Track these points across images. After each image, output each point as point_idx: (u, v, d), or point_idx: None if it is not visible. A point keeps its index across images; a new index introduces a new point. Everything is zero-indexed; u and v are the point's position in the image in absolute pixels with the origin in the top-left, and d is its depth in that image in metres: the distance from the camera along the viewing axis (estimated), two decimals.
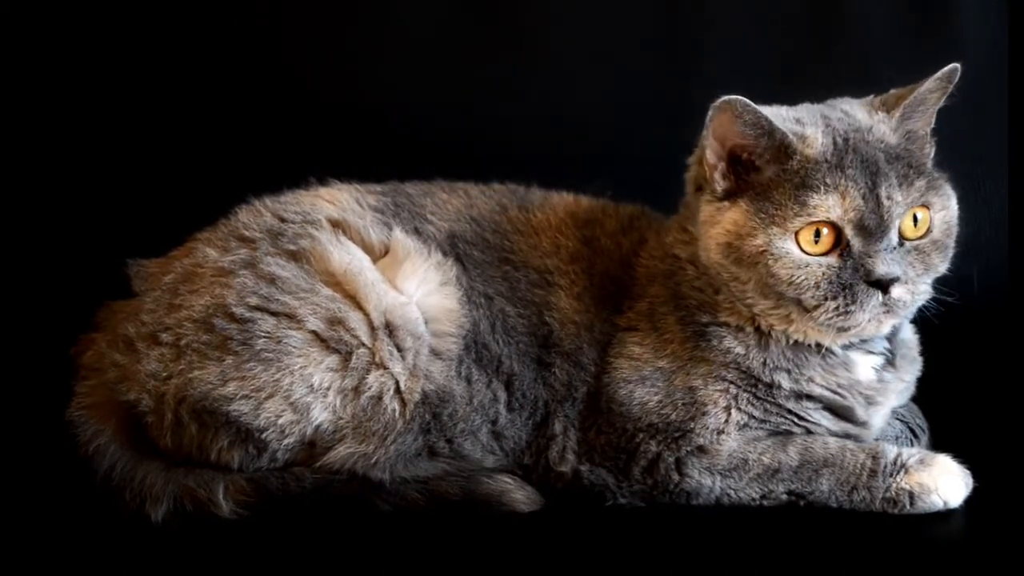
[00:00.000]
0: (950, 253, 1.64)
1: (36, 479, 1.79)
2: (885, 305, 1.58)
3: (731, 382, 1.67)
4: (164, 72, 2.42)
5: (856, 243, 1.57)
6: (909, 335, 1.77)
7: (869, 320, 1.59)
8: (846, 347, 1.68)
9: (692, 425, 1.67)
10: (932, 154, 1.66)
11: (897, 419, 1.79)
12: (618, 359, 1.71)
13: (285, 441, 1.66)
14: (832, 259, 1.58)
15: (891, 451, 1.65)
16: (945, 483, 1.62)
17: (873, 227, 1.56)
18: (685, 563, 1.56)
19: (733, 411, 1.67)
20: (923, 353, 1.78)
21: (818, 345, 1.66)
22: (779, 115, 1.63)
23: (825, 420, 1.69)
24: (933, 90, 1.61)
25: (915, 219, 1.59)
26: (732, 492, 1.67)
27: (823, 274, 1.58)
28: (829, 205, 1.56)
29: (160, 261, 1.80)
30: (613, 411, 1.70)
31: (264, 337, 1.64)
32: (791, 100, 1.71)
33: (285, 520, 1.65)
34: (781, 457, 1.66)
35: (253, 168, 2.14)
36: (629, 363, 1.70)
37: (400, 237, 1.76)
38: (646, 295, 1.74)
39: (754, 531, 1.62)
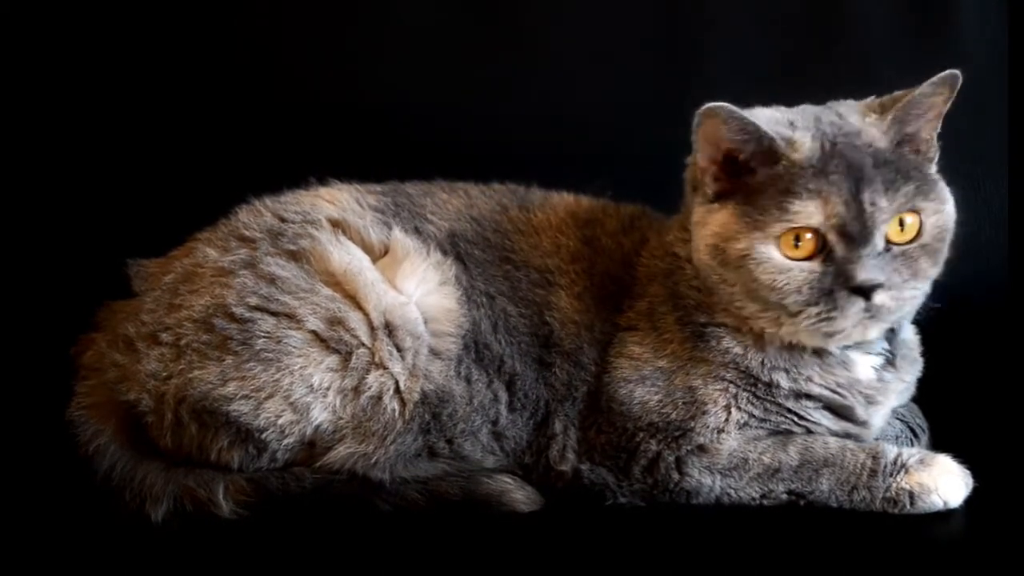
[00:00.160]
0: (942, 258, 1.62)
1: (36, 479, 1.79)
2: (868, 311, 1.57)
3: (730, 382, 1.67)
4: (164, 72, 2.42)
5: (838, 249, 1.56)
6: (910, 335, 1.76)
7: (853, 326, 1.59)
8: (844, 347, 1.68)
9: (692, 424, 1.67)
10: (936, 158, 1.64)
11: (897, 419, 1.79)
12: (618, 358, 1.71)
13: (285, 441, 1.67)
14: (814, 264, 1.57)
15: (891, 451, 1.65)
16: (945, 483, 1.62)
17: (855, 233, 1.55)
18: (685, 563, 1.56)
19: (733, 410, 1.67)
20: (923, 353, 1.78)
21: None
22: (773, 118, 1.63)
23: (825, 419, 1.69)
24: (929, 94, 1.59)
25: (902, 223, 1.57)
26: (732, 491, 1.67)
27: (804, 279, 1.57)
28: (810, 211, 1.55)
29: (160, 261, 1.80)
30: (613, 410, 1.70)
31: (264, 337, 1.65)
32: (791, 100, 1.71)
33: (285, 520, 1.65)
34: (781, 457, 1.66)
35: (253, 168, 2.13)
36: (629, 362, 1.70)
37: (399, 237, 1.76)
38: (646, 294, 1.74)
39: (754, 531, 1.62)
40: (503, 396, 1.73)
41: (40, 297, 2.30)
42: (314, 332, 1.65)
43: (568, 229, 1.81)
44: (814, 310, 1.58)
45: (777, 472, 1.66)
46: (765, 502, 1.67)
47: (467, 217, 1.82)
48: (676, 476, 1.67)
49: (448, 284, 1.74)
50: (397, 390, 1.67)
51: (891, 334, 1.70)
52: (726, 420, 1.67)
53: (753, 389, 1.67)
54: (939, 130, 1.63)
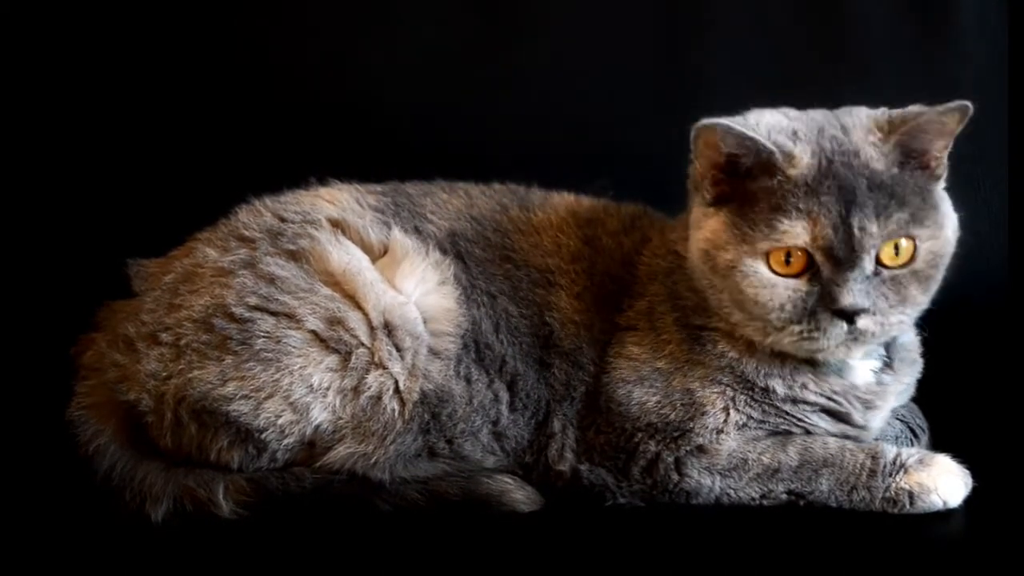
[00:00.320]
0: (934, 286, 1.61)
1: (36, 479, 1.79)
2: (851, 334, 1.57)
3: (727, 385, 1.67)
4: (164, 72, 2.42)
5: (825, 270, 1.55)
6: (909, 337, 1.75)
7: (835, 347, 1.59)
8: None
9: (691, 425, 1.67)
10: (944, 175, 1.62)
11: (897, 419, 1.79)
12: (617, 359, 1.71)
13: (285, 441, 1.67)
14: (801, 282, 1.57)
15: (890, 451, 1.65)
16: (944, 483, 1.62)
17: (843, 257, 1.54)
18: (685, 563, 1.56)
19: (731, 411, 1.67)
20: (923, 353, 1.77)
21: None
22: (776, 125, 1.61)
23: (823, 422, 1.69)
24: (935, 121, 1.56)
25: (897, 247, 1.56)
26: (732, 492, 1.67)
27: (788, 297, 1.57)
28: (797, 232, 1.54)
29: (160, 261, 1.80)
30: (612, 411, 1.70)
31: (263, 337, 1.65)
32: (791, 100, 1.70)
33: (285, 520, 1.65)
34: (781, 457, 1.66)
35: (253, 168, 2.13)
36: (628, 363, 1.70)
37: (399, 236, 1.76)
38: (647, 293, 1.74)
39: (754, 531, 1.62)
40: (504, 396, 1.73)
41: (40, 297, 2.30)
42: (314, 332, 1.65)
43: (569, 229, 1.81)
44: (796, 328, 1.58)
45: (777, 472, 1.66)
46: (765, 502, 1.67)
47: (467, 217, 1.82)
48: (675, 477, 1.67)
49: (447, 284, 1.74)
50: (396, 390, 1.67)
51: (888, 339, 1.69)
52: (725, 421, 1.67)
53: (750, 393, 1.67)
54: (950, 149, 1.60)
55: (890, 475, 1.63)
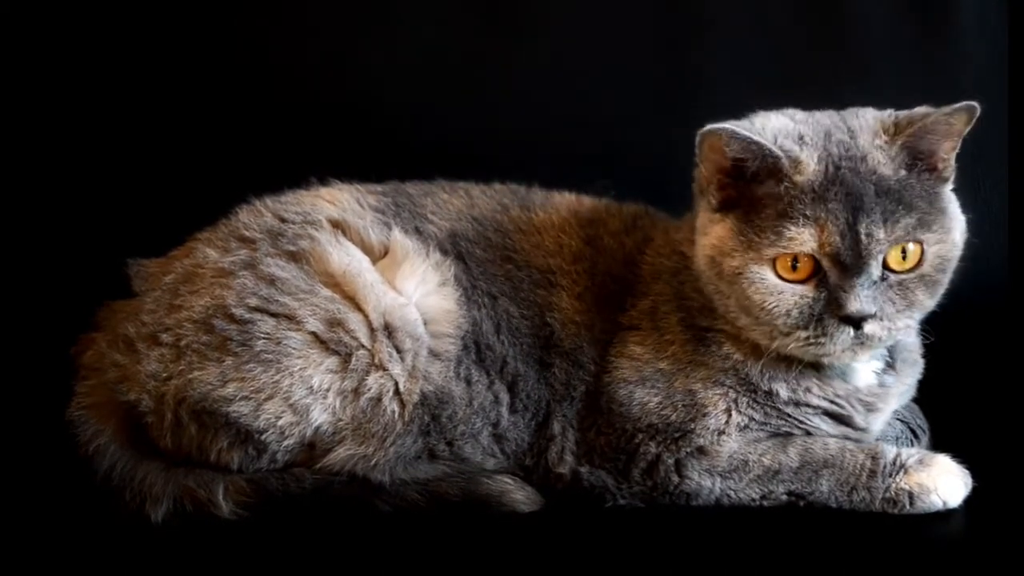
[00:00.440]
0: (940, 290, 1.61)
1: (36, 479, 1.79)
2: (857, 339, 1.57)
3: (730, 387, 1.67)
4: (164, 72, 2.41)
5: (832, 275, 1.55)
6: (911, 339, 1.74)
7: (842, 351, 1.58)
8: None
9: (692, 426, 1.66)
10: (952, 177, 1.61)
11: (898, 419, 1.79)
12: (619, 358, 1.71)
13: (285, 442, 1.66)
14: (808, 288, 1.57)
15: (890, 452, 1.65)
16: (944, 483, 1.62)
17: (850, 263, 1.54)
18: (685, 563, 1.56)
19: (733, 413, 1.67)
20: (924, 354, 1.77)
21: None
22: (783, 129, 1.61)
23: (824, 424, 1.69)
24: (942, 123, 1.56)
25: (904, 252, 1.56)
26: (732, 493, 1.67)
27: (795, 303, 1.57)
28: (804, 238, 1.54)
29: (160, 261, 1.80)
30: (613, 411, 1.70)
31: (264, 338, 1.64)
32: (791, 100, 1.70)
33: (285, 521, 1.65)
34: (781, 458, 1.66)
35: (253, 168, 2.14)
36: (630, 363, 1.70)
37: (399, 237, 1.76)
38: (650, 293, 1.74)
39: (754, 531, 1.62)
40: (504, 398, 1.73)
41: (40, 297, 2.30)
42: (314, 333, 1.65)
43: (571, 229, 1.81)
44: (803, 333, 1.58)
45: (777, 474, 1.66)
46: (765, 503, 1.67)
47: (468, 217, 1.82)
48: (676, 478, 1.67)
49: (448, 285, 1.74)
50: (397, 392, 1.67)
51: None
52: (726, 423, 1.67)
53: (753, 395, 1.67)
54: (958, 150, 1.60)
55: (890, 475, 1.63)
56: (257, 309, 1.66)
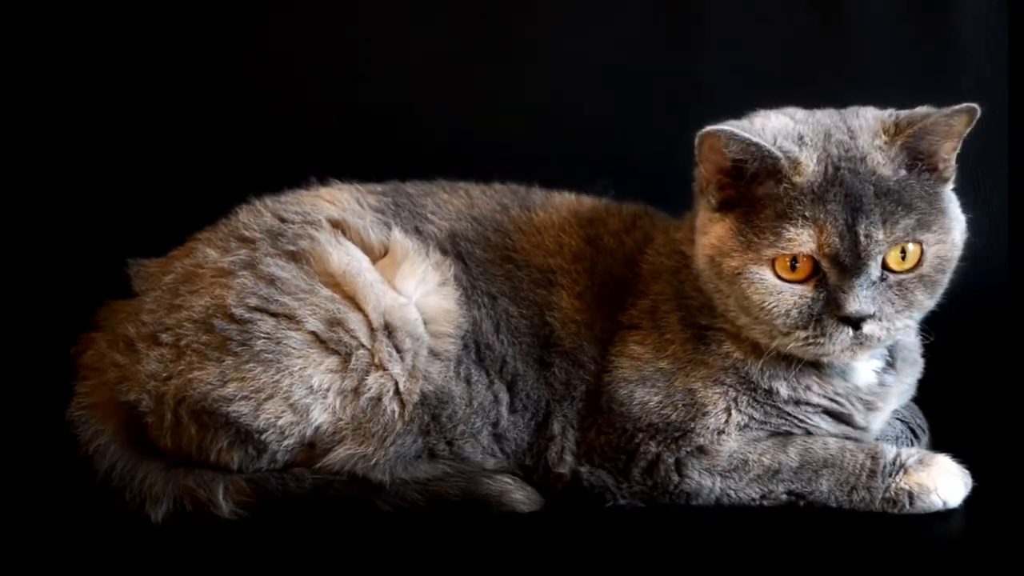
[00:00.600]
0: (940, 290, 1.61)
1: (36, 479, 1.79)
2: (856, 339, 1.57)
3: (730, 385, 1.67)
4: (164, 72, 2.42)
5: (831, 276, 1.55)
6: (911, 338, 1.74)
7: (841, 351, 1.58)
8: None
9: (692, 425, 1.66)
10: (953, 177, 1.61)
11: (898, 419, 1.79)
12: (619, 358, 1.71)
13: (285, 442, 1.66)
14: (807, 288, 1.57)
15: (890, 451, 1.65)
16: (944, 483, 1.62)
17: (849, 264, 1.54)
18: (685, 563, 1.56)
19: (733, 412, 1.67)
20: (923, 354, 1.77)
21: None
22: (783, 129, 1.60)
23: (824, 423, 1.69)
24: (942, 124, 1.55)
25: (904, 252, 1.56)
26: (732, 492, 1.67)
27: (794, 303, 1.57)
28: (803, 239, 1.54)
29: (160, 261, 1.80)
30: (613, 411, 1.70)
31: (264, 338, 1.64)
32: (791, 101, 1.70)
33: (285, 520, 1.65)
34: (781, 458, 1.66)
35: (253, 168, 2.14)
36: (630, 362, 1.70)
37: (399, 237, 1.76)
38: (650, 292, 1.74)
39: (754, 531, 1.62)
40: (504, 397, 1.73)
41: (40, 297, 2.30)
42: (314, 333, 1.65)
43: (571, 228, 1.81)
44: (802, 334, 1.58)
45: (777, 473, 1.66)
46: (765, 503, 1.67)
47: (468, 217, 1.82)
48: (676, 478, 1.67)
49: (448, 285, 1.74)
50: (397, 391, 1.67)
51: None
52: (726, 422, 1.67)
53: (753, 394, 1.67)
54: (959, 151, 1.59)
55: (890, 475, 1.63)
56: (257, 309, 1.66)
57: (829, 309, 1.56)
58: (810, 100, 1.71)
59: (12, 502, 1.74)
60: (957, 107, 1.55)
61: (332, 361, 1.65)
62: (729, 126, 1.56)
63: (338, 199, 1.81)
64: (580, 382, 1.72)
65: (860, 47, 2.42)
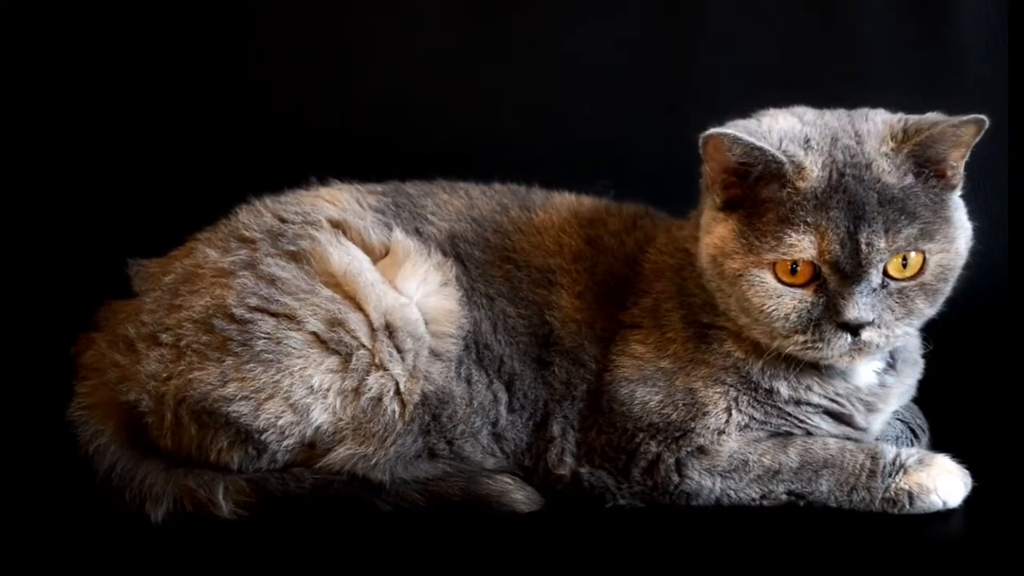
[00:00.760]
0: (941, 298, 1.60)
1: (36, 479, 1.79)
2: (855, 345, 1.57)
3: (731, 385, 1.67)
4: (164, 73, 2.42)
5: (832, 282, 1.55)
6: (911, 339, 1.74)
7: (839, 356, 1.58)
8: None
9: (693, 425, 1.66)
10: (960, 184, 1.60)
11: (898, 419, 1.79)
12: (620, 357, 1.71)
13: (285, 442, 1.66)
14: (807, 292, 1.57)
15: (890, 452, 1.65)
16: (944, 483, 1.62)
17: (849, 271, 1.53)
18: (685, 563, 1.56)
19: (734, 412, 1.67)
20: (924, 354, 1.77)
21: None
22: (789, 132, 1.60)
23: (825, 423, 1.69)
24: (949, 134, 1.55)
25: (905, 260, 1.55)
26: (732, 493, 1.67)
27: (794, 307, 1.57)
28: (804, 245, 1.54)
29: (160, 261, 1.80)
30: (614, 411, 1.70)
31: (264, 338, 1.64)
32: (790, 100, 1.70)
33: (285, 520, 1.65)
34: (781, 458, 1.66)
35: (253, 168, 2.14)
36: (631, 362, 1.70)
37: (400, 238, 1.76)
38: (652, 291, 1.74)
39: (754, 531, 1.62)
40: (503, 397, 1.73)
41: (40, 297, 2.30)
42: (314, 333, 1.65)
43: (571, 228, 1.81)
44: (801, 338, 1.58)
45: (777, 474, 1.66)
46: (765, 503, 1.67)
47: (468, 218, 1.82)
48: (676, 478, 1.67)
49: (449, 285, 1.74)
50: (397, 391, 1.67)
51: None
52: (727, 422, 1.67)
53: (753, 393, 1.67)
54: (967, 159, 1.59)
55: (890, 475, 1.63)
56: (257, 309, 1.66)
57: (828, 315, 1.56)
58: (810, 100, 1.71)
59: (12, 502, 1.74)
60: (965, 118, 1.54)
61: (332, 361, 1.65)
62: (734, 129, 1.56)
63: (338, 199, 1.81)
64: (581, 381, 1.72)
65: (860, 47, 2.42)
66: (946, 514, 1.62)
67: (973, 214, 1.64)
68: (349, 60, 2.45)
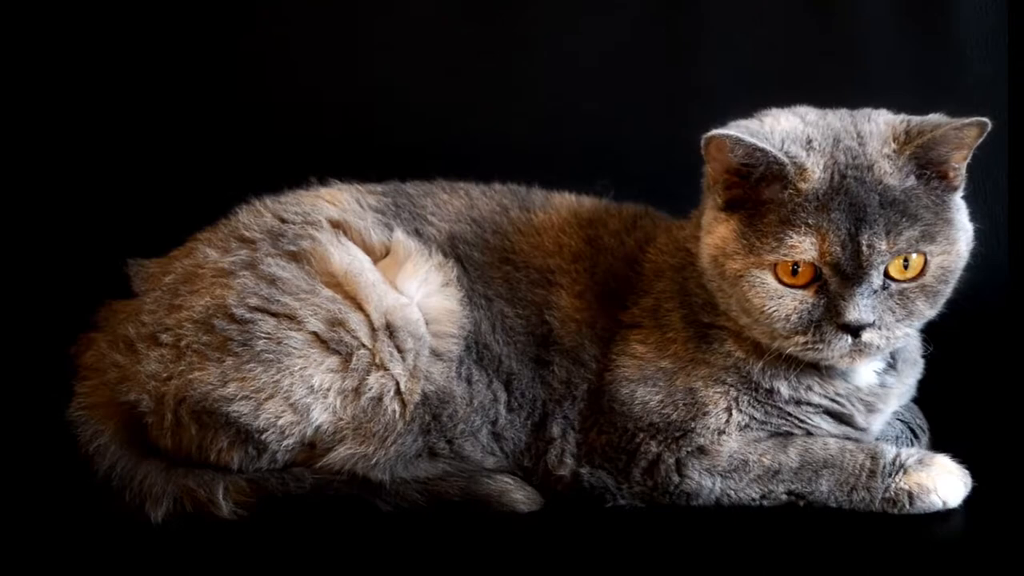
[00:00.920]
0: (941, 300, 1.60)
1: (36, 479, 1.79)
2: (855, 347, 1.57)
3: (731, 385, 1.67)
4: (164, 72, 2.42)
5: (832, 283, 1.55)
6: (911, 339, 1.73)
7: (840, 357, 1.58)
8: None
9: (693, 425, 1.67)
10: (962, 186, 1.60)
11: (898, 419, 1.79)
12: (621, 356, 1.71)
13: (285, 442, 1.67)
14: (808, 294, 1.57)
15: (890, 452, 1.65)
16: (944, 483, 1.62)
17: (850, 272, 1.53)
18: (685, 563, 1.56)
19: (734, 412, 1.67)
20: (924, 354, 1.77)
21: None
22: (791, 133, 1.60)
23: (825, 423, 1.69)
24: (951, 136, 1.55)
25: (906, 262, 1.55)
26: (732, 493, 1.67)
27: (795, 308, 1.57)
28: (805, 247, 1.54)
29: (160, 261, 1.80)
30: (615, 410, 1.70)
31: (264, 338, 1.64)
32: (790, 100, 1.70)
33: (285, 520, 1.66)
34: (781, 458, 1.66)
35: (253, 168, 2.14)
36: (632, 361, 1.70)
37: (401, 238, 1.76)
38: (652, 291, 1.74)
39: (754, 531, 1.62)
40: (502, 396, 1.73)
41: (40, 297, 2.30)
42: (315, 333, 1.65)
43: (571, 229, 1.81)
44: (801, 339, 1.58)
45: (777, 474, 1.66)
46: (765, 503, 1.67)
47: (467, 219, 1.82)
48: (676, 478, 1.67)
49: (451, 286, 1.74)
50: (398, 391, 1.67)
51: None
52: (727, 422, 1.67)
53: (754, 393, 1.67)
54: (969, 160, 1.59)
55: (889, 475, 1.63)
56: (258, 309, 1.66)
57: (829, 316, 1.56)
58: (810, 100, 1.71)
59: (12, 502, 1.74)
60: (968, 120, 1.55)
61: (333, 361, 1.66)
62: (736, 130, 1.56)
63: (338, 199, 1.81)
64: (582, 381, 1.72)
65: (860, 47, 2.42)
66: (946, 514, 1.63)
67: (974, 215, 1.64)
68: (349, 60, 2.45)
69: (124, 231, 2.24)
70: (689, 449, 1.67)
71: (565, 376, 1.73)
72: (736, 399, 1.67)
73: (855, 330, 1.55)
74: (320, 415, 1.65)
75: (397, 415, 1.67)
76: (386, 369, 1.66)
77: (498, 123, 2.41)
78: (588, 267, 1.77)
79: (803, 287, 1.57)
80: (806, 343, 1.58)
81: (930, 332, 1.73)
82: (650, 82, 2.44)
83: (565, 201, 1.87)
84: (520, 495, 1.70)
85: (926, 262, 1.57)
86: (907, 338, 1.63)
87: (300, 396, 1.64)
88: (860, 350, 1.58)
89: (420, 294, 1.72)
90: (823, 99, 1.70)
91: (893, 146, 1.57)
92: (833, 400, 1.67)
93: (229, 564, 1.59)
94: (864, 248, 1.53)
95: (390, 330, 1.68)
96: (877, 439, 1.73)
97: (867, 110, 1.65)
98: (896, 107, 1.66)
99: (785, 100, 1.70)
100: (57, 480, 1.75)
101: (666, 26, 2.45)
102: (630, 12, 2.45)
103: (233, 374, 1.65)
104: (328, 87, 2.45)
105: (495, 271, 1.78)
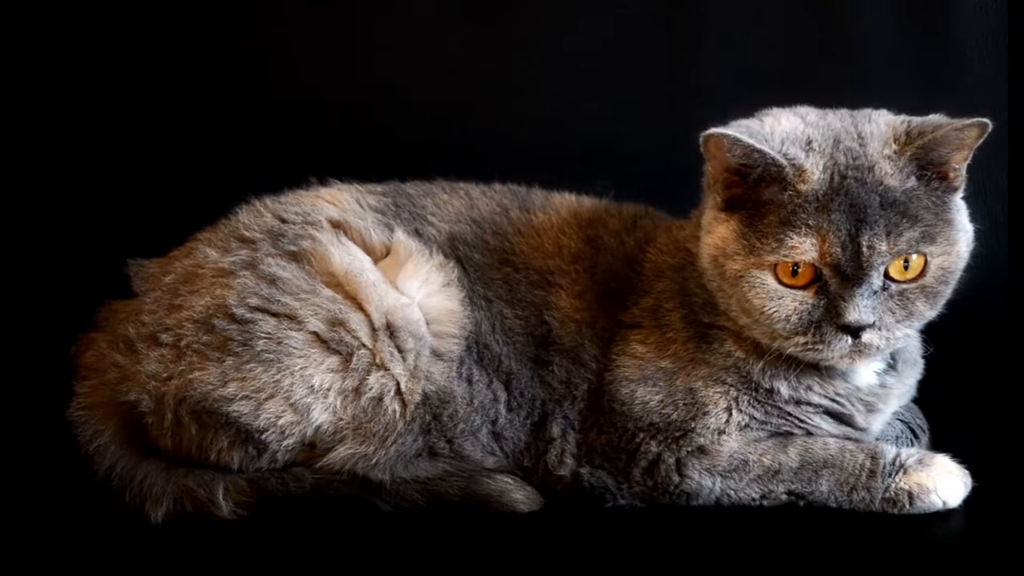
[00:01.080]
0: (941, 301, 1.60)
1: (36, 479, 1.79)
2: (855, 347, 1.57)
3: (731, 385, 1.67)
4: (164, 72, 2.42)
5: (833, 284, 1.55)
6: (911, 339, 1.73)
7: (839, 358, 1.58)
8: None
9: (693, 425, 1.67)
10: (962, 187, 1.60)
11: (898, 419, 1.79)
12: (621, 356, 1.71)
13: (285, 442, 1.67)
14: (808, 294, 1.57)
15: (890, 452, 1.65)
16: (944, 483, 1.62)
17: (850, 273, 1.53)
18: (685, 563, 1.56)
19: (734, 412, 1.67)
20: (923, 354, 1.77)
21: None
22: (791, 133, 1.59)
23: (825, 423, 1.69)
24: (951, 136, 1.55)
25: (906, 263, 1.55)
26: (732, 493, 1.67)
27: (795, 308, 1.57)
28: (805, 248, 1.54)
29: (160, 261, 1.80)
30: (615, 410, 1.70)
31: (265, 338, 1.65)
32: (790, 100, 1.70)
33: (285, 520, 1.66)
34: (781, 458, 1.66)
35: (253, 168, 2.14)
36: (632, 361, 1.70)
37: (402, 238, 1.76)
38: (653, 291, 1.74)
39: (754, 531, 1.62)
40: (502, 396, 1.73)
41: (40, 297, 2.30)
42: (315, 333, 1.65)
43: (570, 229, 1.81)
44: (801, 339, 1.58)
45: (777, 473, 1.66)
46: (765, 503, 1.67)
47: (467, 219, 1.82)
48: (676, 478, 1.67)
49: (452, 286, 1.74)
50: (398, 391, 1.67)
51: None
52: (727, 421, 1.67)
53: (754, 393, 1.67)
54: (969, 161, 1.59)
55: (889, 475, 1.63)
56: (258, 309, 1.66)
57: (829, 316, 1.56)
58: (810, 100, 1.70)
59: (12, 502, 1.74)
60: (969, 121, 1.54)
61: (333, 361, 1.66)
62: (735, 130, 1.56)
63: (339, 199, 1.81)
64: (582, 380, 1.72)
65: (860, 47, 2.42)
66: (946, 514, 1.63)
67: (974, 216, 1.64)
68: (349, 60, 2.45)
69: (124, 231, 2.24)
70: (689, 449, 1.67)
71: (565, 376, 1.73)
72: (736, 399, 1.67)
73: (855, 331, 1.55)
74: (320, 415, 1.65)
75: (397, 415, 1.67)
76: (387, 369, 1.66)
77: (498, 123, 2.41)
78: (588, 267, 1.77)
79: (803, 288, 1.57)
80: (806, 344, 1.58)
81: (930, 332, 1.73)
82: (650, 82, 2.44)
83: (565, 201, 1.87)
84: (520, 495, 1.70)
85: (926, 263, 1.56)
86: (907, 339, 1.63)
87: (300, 396, 1.64)
88: (860, 351, 1.58)
89: (421, 294, 1.72)
90: (823, 99, 1.70)
91: (894, 147, 1.57)
92: (833, 400, 1.67)
93: (229, 564, 1.59)
94: (864, 249, 1.53)
95: (391, 330, 1.68)
96: (877, 439, 1.73)
97: (867, 110, 1.65)
98: (896, 107, 1.66)
99: (785, 100, 1.70)
100: (57, 480, 1.75)
101: (666, 26, 2.45)
102: (630, 12, 2.45)
103: (233, 374, 1.65)
104: (328, 87, 2.45)
105: (495, 272, 1.78)
